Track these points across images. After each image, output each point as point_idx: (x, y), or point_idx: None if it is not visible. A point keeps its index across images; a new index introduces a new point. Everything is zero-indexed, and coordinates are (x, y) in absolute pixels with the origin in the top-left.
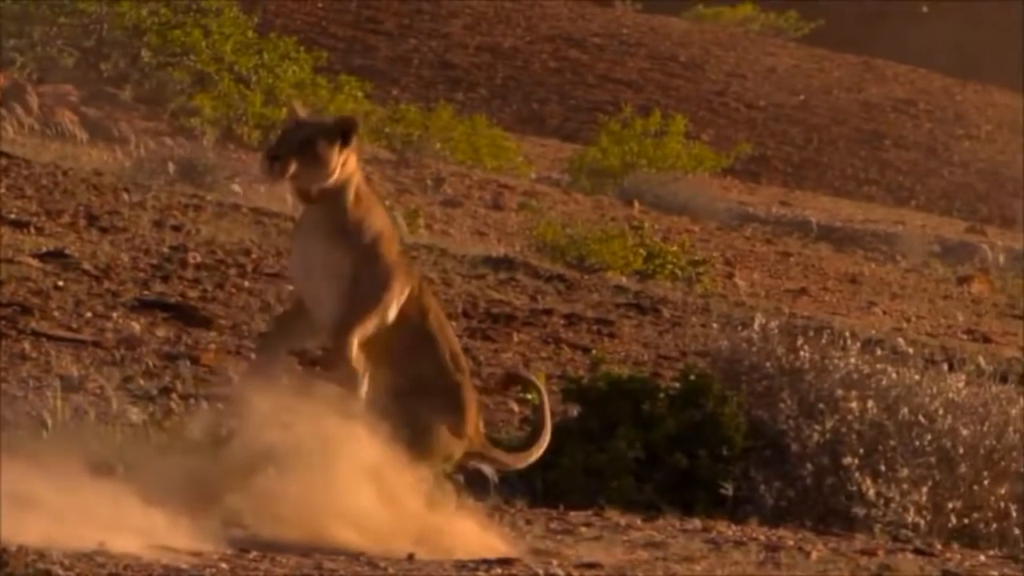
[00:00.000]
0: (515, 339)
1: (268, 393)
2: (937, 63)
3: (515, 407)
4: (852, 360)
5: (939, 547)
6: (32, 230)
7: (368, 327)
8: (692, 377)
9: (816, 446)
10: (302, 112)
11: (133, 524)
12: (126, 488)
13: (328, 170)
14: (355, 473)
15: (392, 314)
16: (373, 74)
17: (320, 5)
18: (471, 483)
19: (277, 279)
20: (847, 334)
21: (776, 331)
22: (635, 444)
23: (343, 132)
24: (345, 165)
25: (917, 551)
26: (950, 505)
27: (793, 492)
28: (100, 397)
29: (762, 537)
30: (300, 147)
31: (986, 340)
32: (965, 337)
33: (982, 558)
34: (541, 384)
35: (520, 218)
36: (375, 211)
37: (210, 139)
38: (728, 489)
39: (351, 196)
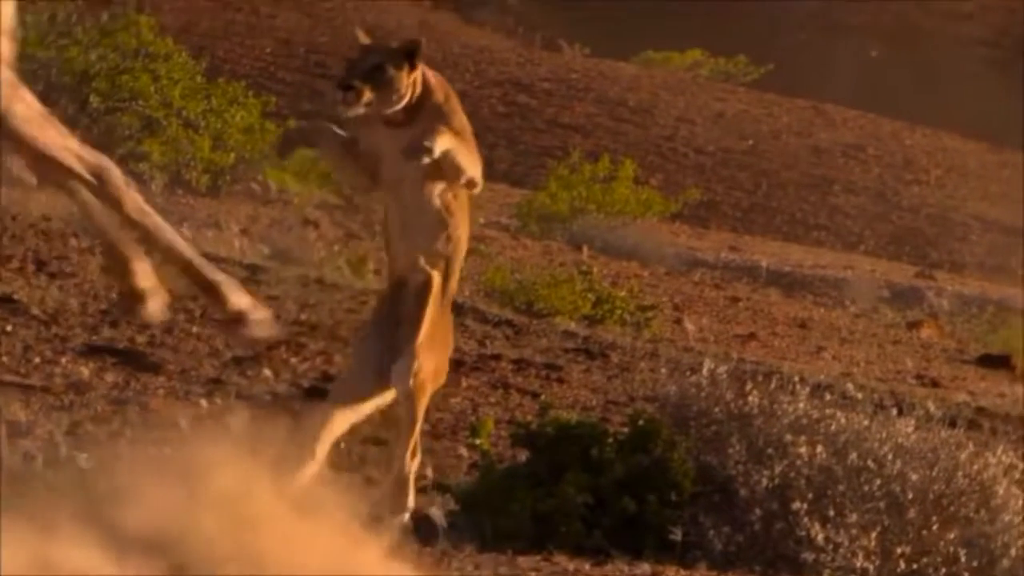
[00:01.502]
0: (463, 384)
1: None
2: (886, 108)
3: (463, 452)
4: (801, 405)
5: None
6: None
7: (465, 147)
8: (641, 422)
9: (765, 491)
10: (365, 39)
11: (84, 570)
12: (75, 533)
13: (399, 94)
14: (284, 517)
15: (476, 171)
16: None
17: (268, 50)
18: (420, 528)
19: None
20: (796, 379)
21: (725, 376)
22: (583, 489)
23: (409, 54)
24: (414, 85)
25: None
26: (899, 550)
27: (742, 537)
28: (49, 442)
29: None
30: (370, 74)
31: (935, 385)
32: (914, 382)
33: None
34: None
35: (469, 263)
36: (452, 98)
37: (159, 184)
38: (677, 534)
39: (432, 93)
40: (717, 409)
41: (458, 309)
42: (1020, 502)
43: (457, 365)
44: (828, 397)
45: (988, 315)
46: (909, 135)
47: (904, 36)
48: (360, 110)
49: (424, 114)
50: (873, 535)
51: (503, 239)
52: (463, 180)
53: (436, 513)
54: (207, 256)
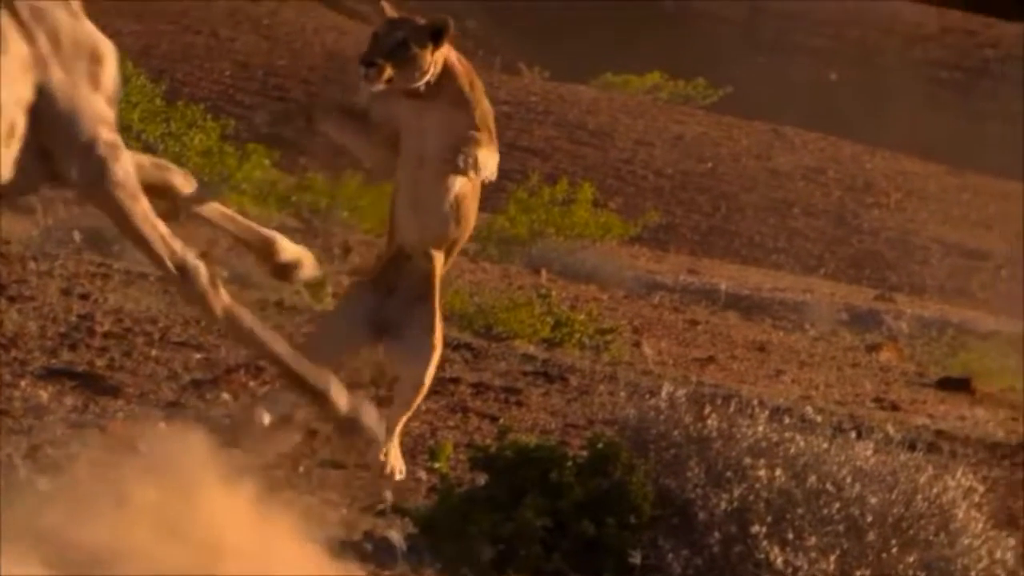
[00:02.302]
0: (422, 408)
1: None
2: (846, 131)
3: (422, 475)
4: (760, 428)
5: None
6: None
7: (493, 142)
8: (600, 445)
9: (724, 514)
10: (391, 12)
11: None
12: (34, 556)
13: (422, 71)
14: (240, 537)
15: (495, 163)
16: (280, 142)
17: (227, 73)
18: (378, 551)
19: (184, 347)
20: (755, 402)
21: (684, 399)
22: (543, 512)
23: (434, 33)
24: (438, 62)
25: None
26: (858, 573)
27: (701, 560)
28: (8, 465)
29: None
30: (393, 51)
31: (894, 408)
32: (873, 405)
33: None
34: None
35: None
36: (476, 84)
37: None
38: (636, 557)
39: (456, 77)
40: (676, 432)
41: None
42: (980, 525)
43: None
44: (787, 420)
45: (948, 338)
46: (869, 158)
47: (863, 59)
48: (381, 87)
49: (449, 93)
50: (832, 558)
51: (462, 262)
52: (483, 175)
53: (395, 536)
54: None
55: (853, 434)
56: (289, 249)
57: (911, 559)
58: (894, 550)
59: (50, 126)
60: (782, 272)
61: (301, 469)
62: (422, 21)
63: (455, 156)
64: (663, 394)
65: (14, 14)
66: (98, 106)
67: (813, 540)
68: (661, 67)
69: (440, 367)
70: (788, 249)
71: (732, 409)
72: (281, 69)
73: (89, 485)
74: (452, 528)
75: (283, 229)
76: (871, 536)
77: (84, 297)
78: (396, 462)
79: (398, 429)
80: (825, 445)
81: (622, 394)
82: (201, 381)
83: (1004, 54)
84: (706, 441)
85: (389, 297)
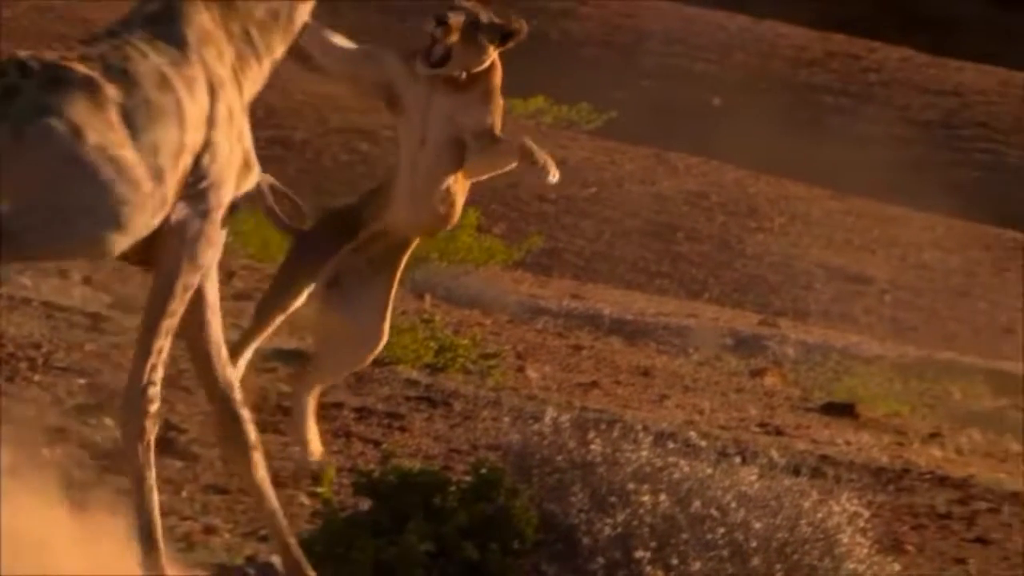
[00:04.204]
0: None
1: None
2: (730, 156)
3: (305, 500)
4: (644, 453)
5: None
6: None
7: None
8: (483, 471)
9: (608, 540)
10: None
11: None
12: None
13: (480, 60)
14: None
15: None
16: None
17: None
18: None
19: (68, 373)
20: (639, 427)
21: (568, 424)
22: (426, 537)
23: (504, 33)
24: (491, 60)
25: None
26: None
27: None
28: None
29: None
30: (465, 25)
31: (779, 433)
32: (758, 430)
33: None
34: None
35: (310, 310)
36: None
37: None
38: None
39: (492, 79)
40: (560, 457)
41: (300, 357)
42: (864, 550)
43: None
44: (671, 445)
45: (832, 363)
46: (752, 182)
47: (747, 83)
48: (436, 71)
49: (479, 88)
50: None
51: None
52: (481, 177)
53: (277, 561)
54: (49, 304)
55: (737, 459)
56: None
57: None
58: (779, 575)
59: (190, 178)
60: (666, 297)
61: (184, 494)
62: (499, 20)
63: (529, 162)
64: (547, 419)
65: (207, 70)
66: (227, 195)
67: (697, 565)
68: (545, 91)
69: (322, 392)
70: (672, 274)
71: (616, 434)
72: None
73: None
74: (335, 553)
75: None
76: (756, 561)
77: None
78: (315, 446)
79: (314, 399)
80: (709, 470)
81: (506, 419)
82: (85, 406)
83: (888, 78)
84: (590, 466)
85: (351, 254)
